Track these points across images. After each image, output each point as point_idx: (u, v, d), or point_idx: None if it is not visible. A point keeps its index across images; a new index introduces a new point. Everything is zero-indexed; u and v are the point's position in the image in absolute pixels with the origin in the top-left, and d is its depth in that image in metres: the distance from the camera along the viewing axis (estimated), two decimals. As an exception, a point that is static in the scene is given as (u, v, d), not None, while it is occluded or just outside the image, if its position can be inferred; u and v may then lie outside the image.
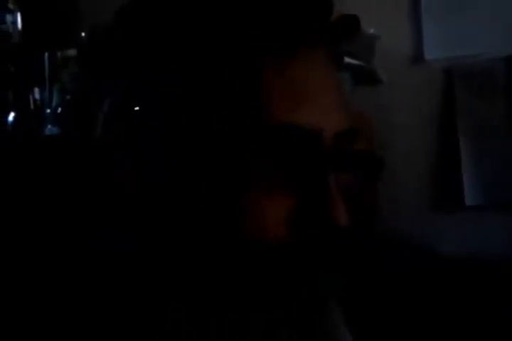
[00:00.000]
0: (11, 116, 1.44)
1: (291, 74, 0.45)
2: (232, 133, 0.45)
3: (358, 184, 0.53)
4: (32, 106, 1.50)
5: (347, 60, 1.43)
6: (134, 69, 0.48)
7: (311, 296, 0.48)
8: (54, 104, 1.49)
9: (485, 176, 1.48)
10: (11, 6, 1.69)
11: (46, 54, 1.55)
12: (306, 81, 0.46)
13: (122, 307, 0.49)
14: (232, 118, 0.45)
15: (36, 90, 1.51)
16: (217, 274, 0.47)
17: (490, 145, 1.49)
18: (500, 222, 1.44)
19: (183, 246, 0.47)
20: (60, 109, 1.46)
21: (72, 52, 1.56)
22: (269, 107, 0.44)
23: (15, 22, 1.67)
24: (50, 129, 1.44)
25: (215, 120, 0.45)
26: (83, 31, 1.59)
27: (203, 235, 0.46)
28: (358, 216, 0.47)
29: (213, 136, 0.45)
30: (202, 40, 0.46)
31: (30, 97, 1.51)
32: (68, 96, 1.48)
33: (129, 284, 0.50)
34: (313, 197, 0.45)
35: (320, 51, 0.47)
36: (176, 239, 0.47)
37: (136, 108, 0.48)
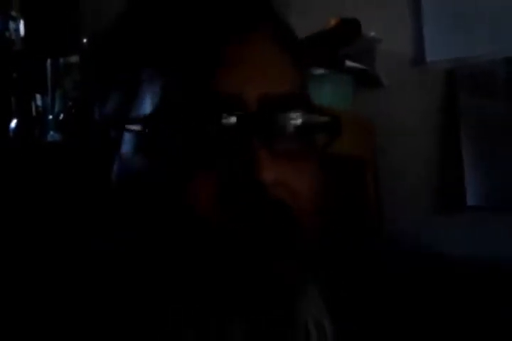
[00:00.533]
0: (14, 122, 1.45)
1: (231, 50, 0.48)
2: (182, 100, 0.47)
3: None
4: (34, 113, 1.50)
5: (348, 63, 1.43)
6: (135, 73, 0.50)
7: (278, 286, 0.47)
8: (56, 110, 1.49)
9: (487, 177, 1.48)
10: (13, 13, 1.70)
11: (48, 61, 1.56)
12: (231, 48, 0.48)
13: (116, 306, 0.49)
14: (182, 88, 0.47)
15: (38, 97, 1.52)
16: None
17: (492, 147, 1.49)
18: (502, 223, 1.43)
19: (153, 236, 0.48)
20: (62, 116, 1.46)
21: (74, 58, 1.57)
22: (206, 78, 0.47)
23: (17, 29, 1.67)
24: (52, 135, 1.45)
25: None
26: (85, 38, 1.59)
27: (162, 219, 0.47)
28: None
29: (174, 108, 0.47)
30: (197, 40, 0.49)
31: (33, 104, 1.51)
32: (70, 103, 1.49)
33: (117, 284, 0.50)
34: (237, 159, 0.46)
35: (266, 33, 0.51)
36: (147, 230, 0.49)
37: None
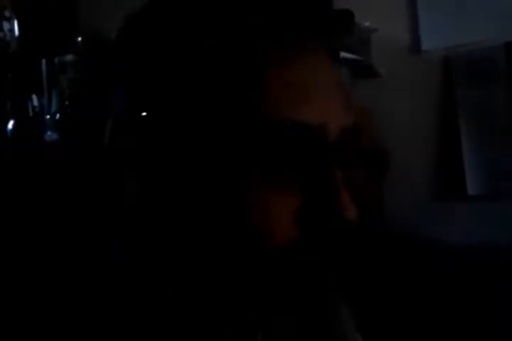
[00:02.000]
0: (11, 123, 1.45)
1: (294, 73, 0.46)
2: (236, 132, 0.45)
3: (365, 182, 0.53)
4: (31, 113, 1.50)
5: (343, 54, 1.42)
6: (140, 76, 0.49)
7: (314, 288, 0.47)
8: (53, 110, 1.49)
9: (487, 166, 1.47)
10: (7, 13, 1.69)
11: (43, 60, 1.55)
12: (309, 79, 0.46)
13: (121, 309, 0.49)
14: (235, 116, 0.45)
15: (34, 97, 1.52)
16: (227, 278, 0.46)
17: (491, 135, 1.48)
18: (503, 212, 1.43)
19: (193, 250, 0.47)
20: (58, 115, 1.46)
21: (69, 57, 1.56)
22: (272, 105, 0.45)
23: (12, 29, 1.67)
24: (49, 135, 1.45)
25: (219, 119, 0.45)
26: (80, 36, 1.59)
27: (213, 238, 0.46)
28: (363, 214, 0.47)
29: (217, 135, 0.45)
30: (207, 42, 0.46)
31: (29, 104, 1.51)
32: (67, 102, 1.49)
33: (127, 287, 0.50)
34: (321, 193, 0.45)
35: (322, 50, 0.48)
36: (185, 244, 0.47)
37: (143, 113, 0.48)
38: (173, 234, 0.47)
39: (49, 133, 1.45)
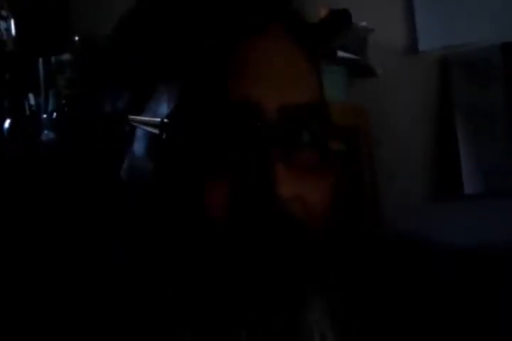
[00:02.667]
0: (7, 122, 1.45)
1: (240, 51, 0.47)
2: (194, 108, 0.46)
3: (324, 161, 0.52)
4: (28, 112, 1.50)
5: (340, 53, 1.42)
6: (149, 72, 0.49)
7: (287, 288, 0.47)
8: (50, 109, 1.49)
9: (483, 164, 1.48)
10: (4, 13, 1.69)
11: (40, 59, 1.55)
12: (248, 57, 0.47)
13: (121, 309, 0.49)
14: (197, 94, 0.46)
15: (31, 96, 1.52)
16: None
17: (488, 134, 1.48)
18: (500, 210, 1.43)
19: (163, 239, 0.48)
20: (55, 114, 1.46)
21: (66, 56, 1.56)
22: (224, 86, 0.46)
23: (9, 29, 1.67)
24: (46, 134, 1.44)
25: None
26: (76, 35, 1.59)
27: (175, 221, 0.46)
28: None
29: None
30: (196, 41, 0.47)
31: (26, 103, 1.51)
32: (64, 101, 1.49)
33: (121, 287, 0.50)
34: (254, 171, 0.45)
35: (281, 34, 0.49)
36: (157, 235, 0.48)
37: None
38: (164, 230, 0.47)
39: (46, 132, 1.44)
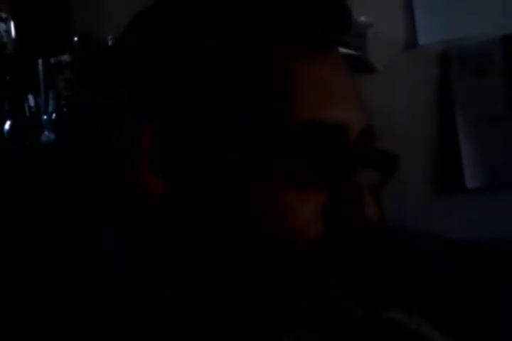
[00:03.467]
0: (7, 124, 1.45)
1: (315, 74, 0.45)
2: (259, 135, 0.44)
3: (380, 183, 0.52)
4: (27, 114, 1.51)
5: (339, 49, 1.41)
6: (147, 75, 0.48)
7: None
8: (50, 110, 1.50)
9: (485, 158, 1.47)
10: (3, 15, 1.70)
11: (40, 61, 1.56)
12: (333, 78, 0.46)
13: (121, 309, 0.49)
14: (258, 119, 0.44)
15: (31, 97, 1.52)
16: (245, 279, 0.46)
17: (489, 127, 1.47)
18: (502, 204, 1.42)
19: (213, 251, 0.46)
20: (55, 115, 1.46)
21: (65, 57, 1.57)
22: (295, 106, 0.44)
23: (9, 31, 1.68)
24: (46, 135, 1.45)
25: (241, 121, 0.44)
26: (75, 36, 1.59)
27: (233, 238, 0.45)
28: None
29: (240, 137, 0.44)
30: (211, 42, 0.46)
31: (26, 105, 1.52)
32: (63, 102, 1.49)
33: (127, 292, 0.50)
34: (344, 193, 0.45)
35: (338, 51, 0.49)
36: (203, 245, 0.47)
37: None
38: (181, 234, 0.47)
39: (46, 133, 1.45)
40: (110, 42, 1.47)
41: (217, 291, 0.46)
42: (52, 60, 1.56)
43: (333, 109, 0.45)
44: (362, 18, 1.48)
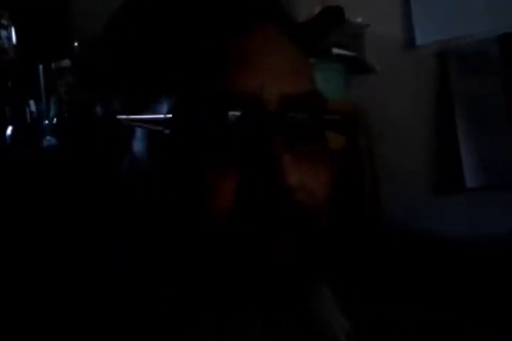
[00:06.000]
0: (9, 129, 1.46)
1: (230, 45, 0.47)
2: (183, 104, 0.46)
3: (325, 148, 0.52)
4: (29, 119, 1.51)
5: (336, 50, 1.42)
6: (144, 72, 0.49)
7: (296, 281, 0.47)
8: (51, 115, 1.51)
9: (484, 158, 1.47)
10: (4, 21, 1.71)
11: (41, 66, 1.57)
12: (245, 48, 0.47)
13: (121, 309, 0.50)
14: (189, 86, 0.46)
15: (32, 103, 1.53)
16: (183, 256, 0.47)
17: (488, 127, 1.47)
18: (501, 203, 1.42)
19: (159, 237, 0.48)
20: (56, 120, 1.47)
21: (66, 62, 1.58)
22: (208, 74, 0.46)
23: (10, 37, 1.69)
24: (48, 140, 1.46)
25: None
26: (76, 41, 1.60)
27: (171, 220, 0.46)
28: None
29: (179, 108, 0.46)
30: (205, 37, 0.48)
31: (27, 110, 1.53)
32: (64, 107, 1.50)
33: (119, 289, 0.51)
34: (259, 159, 0.45)
35: (271, 25, 0.50)
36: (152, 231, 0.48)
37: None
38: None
39: (47, 138, 1.46)
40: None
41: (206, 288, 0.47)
42: (53, 65, 1.57)
43: (239, 77, 0.46)
44: (359, 19, 1.48)
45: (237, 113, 0.46)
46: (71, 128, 1.43)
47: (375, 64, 1.55)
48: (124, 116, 0.50)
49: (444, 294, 1.09)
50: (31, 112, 1.52)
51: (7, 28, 1.69)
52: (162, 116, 0.47)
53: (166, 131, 0.46)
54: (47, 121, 1.49)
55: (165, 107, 0.47)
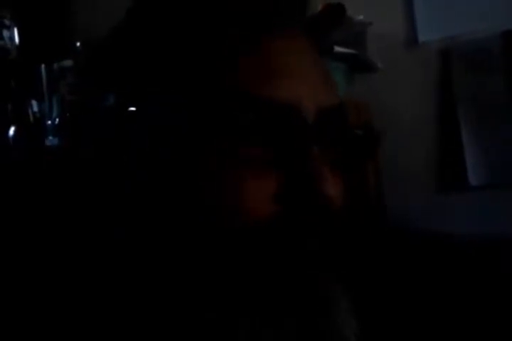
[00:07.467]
0: (12, 130, 1.47)
1: (267, 51, 0.47)
2: (213, 109, 0.46)
3: (352, 161, 0.53)
4: (31, 119, 1.52)
5: (338, 49, 1.41)
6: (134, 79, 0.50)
7: (310, 283, 0.47)
8: (54, 115, 1.51)
9: (488, 155, 1.46)
10: (7, 21, 1.71)
11: (43, 66, 1.57)
12: (283, 57, 0.47)
13: (120, 308, 0.49)
14: (211, 93, 0.46)
15: (34, 103, 1.54)
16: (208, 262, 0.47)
17: (491, 124, 1.47)
18: (505, 201, 1.41)
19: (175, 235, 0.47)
20: (58, 120, 1.47)
21: (68, 62, 1.58)
22: (246, 83, 0.46)
23: (12, 37, 1.69)
24: (51, 140, 1.46)
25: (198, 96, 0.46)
26: (78, 41, 1.60)
27: (192, 220, 0.46)
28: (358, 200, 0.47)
29: (196, 114, 0.46)
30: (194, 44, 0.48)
31: (29, 110, 1.53)
32: (67, 107, 1.50)
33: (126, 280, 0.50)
34: (298, 170, 0.45)
35: (298, 31, 0.50)
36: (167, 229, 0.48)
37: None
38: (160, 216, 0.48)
39: (50, 138, 1.46)
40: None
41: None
42: (55, 65, 1.57)
43: (280, 86, 0.46)
44: (360, 17, 1.48)
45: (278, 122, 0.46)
46: (73, 128, 1.43)
47: (377, 61, 1.54)
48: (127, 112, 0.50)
49: (446, 291, 1.09)
50: (34, 112, 1.53)
51: (9, 28, 1.70)
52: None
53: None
54: (49, 121, 1.50)
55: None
